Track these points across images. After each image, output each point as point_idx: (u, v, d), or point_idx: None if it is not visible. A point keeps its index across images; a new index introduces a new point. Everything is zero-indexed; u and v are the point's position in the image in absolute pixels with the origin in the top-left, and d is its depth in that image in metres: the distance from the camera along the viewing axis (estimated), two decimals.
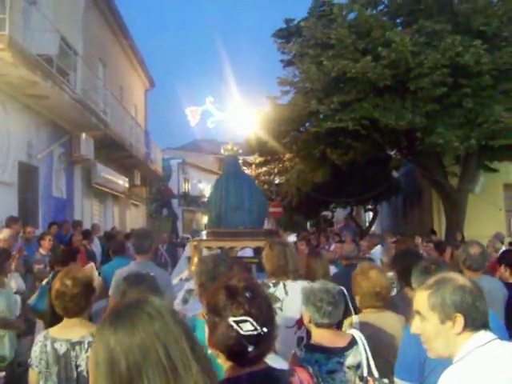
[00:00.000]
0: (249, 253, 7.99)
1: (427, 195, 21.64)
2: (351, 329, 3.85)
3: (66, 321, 3.70)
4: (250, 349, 2.07)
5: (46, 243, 9.75)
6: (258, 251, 8.29)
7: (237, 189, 7.71)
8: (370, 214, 32.94)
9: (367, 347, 3.53)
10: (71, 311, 3.64)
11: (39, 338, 3.68)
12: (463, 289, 2.34)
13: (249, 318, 2.08)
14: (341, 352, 3.50)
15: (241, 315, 2.08)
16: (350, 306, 4.90)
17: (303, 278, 5.15)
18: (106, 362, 1.46)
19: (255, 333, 2.08)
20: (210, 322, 2.19)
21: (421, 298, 2.42)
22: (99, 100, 17.01)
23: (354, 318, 4.07)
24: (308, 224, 37.39)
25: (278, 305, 4.20)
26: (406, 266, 4.35)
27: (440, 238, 16.50)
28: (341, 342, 3.55)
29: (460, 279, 2.42)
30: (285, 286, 4.43)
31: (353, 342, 3.55)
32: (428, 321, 2.37)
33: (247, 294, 2.14)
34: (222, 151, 8.31)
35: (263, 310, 2.14)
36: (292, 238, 12.15)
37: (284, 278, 4.52)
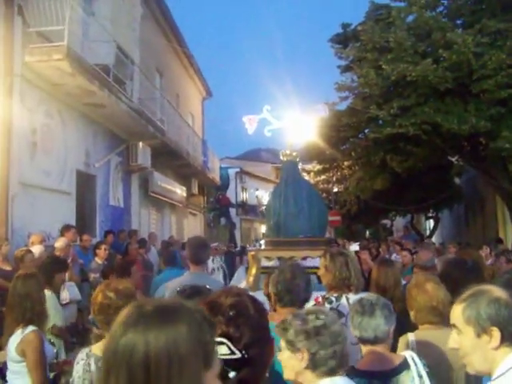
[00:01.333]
0: (312, 262, 7.72)
1: (491, 202, 20.95)
2: (407, 349, 3.52)
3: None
4: (231, 374, 1.79)
5: (102, 252, 9.75)
6: None
7: (296, 195, 7.45)
8: (431, 221, 32.20)
9: (423, 371, 3.10)
10: None
11: (81, 356, 3.49)
12: (498, 301, 2.26)
13: (225, 340, 1.81)
14: (386, 376, 3.09)
15: (218, 336, 1.77)
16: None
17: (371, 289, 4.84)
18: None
19: (233, 357, 1.81)
20: None
21: (456, 311, 2.36)
22: (156, 108, 17.05)
23: (410, 336, 3.70)
24: (367, 233, 36.81)
25: (342, 320, 3.86)
26: (454, 279, 4.00)
27: (507, 247, 15.84)
28: (387, 365, 3.15)
29: (496, 291, 2.33)
30: (348, 299, 4.14)
31: (403, 366, 3.13)
32: (464, 335, 2.31)
33: (231, 313, 1.88)
34: (281, 157, 8.07)
35: (246, 331, 1.85)
36: (355, 247, 11.85)
37: (346, 290, 4.23)
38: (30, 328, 4.35)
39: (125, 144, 15.31)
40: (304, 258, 7.24)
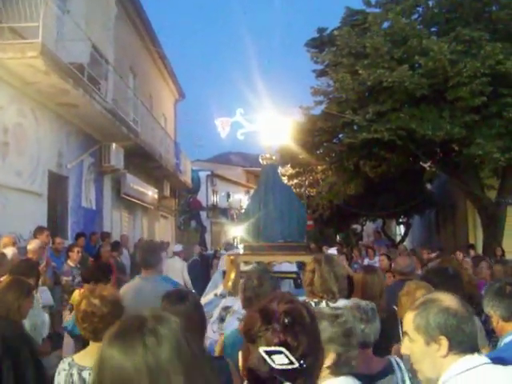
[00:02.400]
0: (286, 267, 7.63)
1: (462, 209, 21.12)
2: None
3: (92, 345, 3.35)
4: None
5: (75, 255, 9.55)
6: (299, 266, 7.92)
7: (276, 200, 7.34)
8: (401, 227, 32.39)
9: (407, 377, 3.04)
10: (101, 333, 3.29)
11: (63, 366, 3.31)
12: (447, 311, 2.30)
13: (283, 350, 1.71)
14: (370, 380, 2.98)
15: (275, 345, 1.72)
16: (400, 327, 4.50)
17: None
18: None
19: (290, 367, 1.70)
20: (243, 349, 1.85)
21: (407, 319, 2.42)
22: (129, 109, 16.81)
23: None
24: (338, 237, 36.88)
25: None
26: (434, 286, 3.93)
27: (478, 252, 15.96)
28: (371, 369, 3.07)
29: (447, 300, 2.36)
30: (328, 305, 4.04)
31: (388, 370, 3.08)
32: (414, 342, 2.36)
33: (286, 320, 1.76)
34: (260, 160, 7.96)
35: (303, 339, 1.75)
36: (332, 251, 11.77)
37: (327, 297, 4.14)
38: None
39: (98, 145, 15.07)
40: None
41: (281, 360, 1.69)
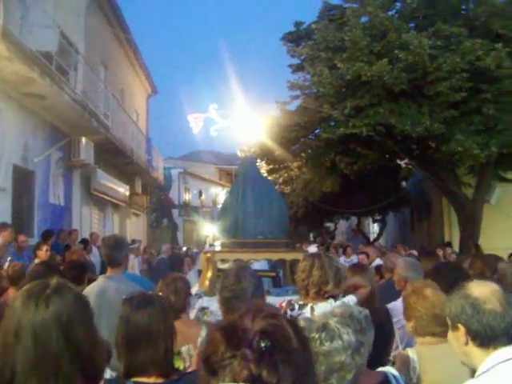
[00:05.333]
0: (260, 266, 7.29)
1: (437, 206, 21.04)
2: (407, 367, 3.06)
3: None
4: None
5: (43, 253, 9.01)
6: (275, 264, 7.59)
7: (255, 194, 6.93)
8: (375, 225, 32.31)
9: None
10: None
11: None
12: (466, 299, 2.32)
13: None
14: None
15: (244, 380, 1.17)
16: (394, 331, 4.15)
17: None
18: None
19: None
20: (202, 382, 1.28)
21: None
22: (100, 103, 16.25)
23: (410, 352, 3.23)
24: (311, 235, 36.65)
25: None
26: (448, 280, 3.57)
27: (454, 250, 15.81)
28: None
29: (472, 289, 2.36)
30: (312, 309, 3.69)
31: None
32: (448, 327, 2.48)
33: (262, 344, 1.20)
34: (238, 153, 7.56)
35: (287, 373, 1.18)
36: (312, 248, 11.44)
37: (316, 298, 3.77)
38: None
39: (67, 139, 14.53)
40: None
41: None
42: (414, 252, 10.80)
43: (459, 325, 2.31)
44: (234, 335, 1.23)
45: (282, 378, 1.17)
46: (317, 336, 2.28)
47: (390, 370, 2.81)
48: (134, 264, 12.86)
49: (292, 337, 1.25)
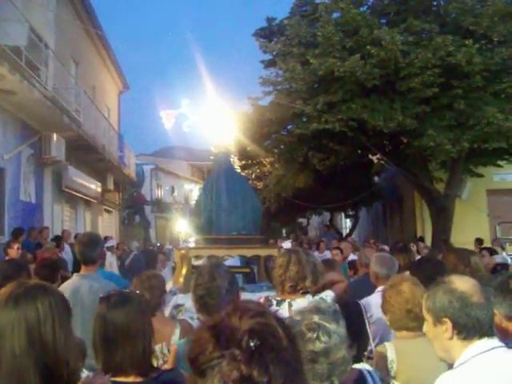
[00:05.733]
0: (233, 262, 7.26)
1: (409, 201, 21.22)
2: (385, 361, 3.07)
3: None
4: None
5: (14, 252, 8.88)
6: (247, 260, 7.57)
7: (229, 190, 6.89)
8: (348, 220, 32.46)
9: None
10: None
11: None
12: (452, 293, 2.31)
13: None
14: None
15: (234, 381, 1.14)
16: (367, 326, 4.16)
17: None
18: None
19: None
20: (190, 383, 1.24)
21: (423, 300, 2.48)
22: (71, 99, 16.05)
23: (388, 347, 3.26)
24: (284, 231, 36.72)
25: None
26: (428, 274, 3.60)
27: (426, 245, 15.95)
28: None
29: (456, 283, 2.35)
30: (290, 305, 3.66)
31: (359, 382, 2.60)
32: (427, 322, 2.42)
33: (252, 344, 1.18)
34: (212, 149, 7.53)
35: (277, 372, 1.16)
36: (287, 244, 11.44)
37: (293, 294, 3.75)
38: None
39: (37, 135, 14.33)
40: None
41: None
42: (386, 247, 10.81)
43: (445, 319, 2.28)
44: (222, 334, 1.21)
45: (273, 378, 1.15)
46: (314, 336, 2.19)
47: (364, 366, 2.79)
48: (113, 262, 12.72)
49: (282, 335, 1.23)
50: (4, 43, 10.41)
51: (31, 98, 12.09)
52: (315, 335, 2.19)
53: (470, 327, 2.24)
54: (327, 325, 2.25)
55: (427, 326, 2.42)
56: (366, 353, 3.79)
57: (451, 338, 2.28)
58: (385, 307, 3.46)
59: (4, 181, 12.69)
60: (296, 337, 1.32)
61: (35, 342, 1.80)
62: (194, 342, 1.26)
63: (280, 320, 1.28)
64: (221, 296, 3.34)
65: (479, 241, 14.58)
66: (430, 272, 3.75)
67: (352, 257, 9.99)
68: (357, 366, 2.77)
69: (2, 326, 1.80)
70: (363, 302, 4.43)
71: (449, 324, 2.27)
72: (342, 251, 10.19)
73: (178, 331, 3.69)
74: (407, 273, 4.18)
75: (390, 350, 3.19)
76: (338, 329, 2.28)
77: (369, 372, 2.69)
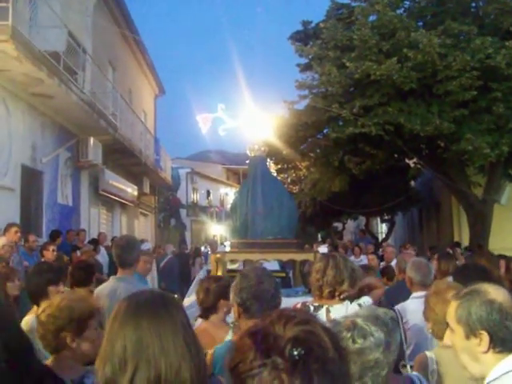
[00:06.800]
0: (271, 266, 7.19)
1: (446, 206, 20.91)
2: (425, 370, 2.99)
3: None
4: None
5: (49, 254, 8.95)
6: (282, 265, 7.53)
7: (265, 194, 6.85)
8: (383, 225, 32.10)
9: None
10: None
11: None
12: (491, 304, 2.16)
13: None
14: None
15: None
16: (403, 333, 4.05)
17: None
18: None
19: None
20: None
21: (451, 309, 2.30)
22: (108, 103, 16.23)
23: (429, 355, 3.16)
24: (319, 235, 36.52)
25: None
26: (474, 282, 3.49)
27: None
28: None
29: (494, 293, 2.21)
30: (328, 311, 3.58)
31: None
32: (455, 333, 2.25)
33: (295, 352, 1.11)
34: (248, 152, 7.48)
35: (322, 383, 1.10)
36: (323, 249, 11.36)
37: (332, 300, 3.68)
38: None
39: (75, 139, 14.51)
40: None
41: None
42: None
43: (482, 331, 2.12)
44: (264, 342, 1.15)
45: None
46: (348, 335, 2.20)
47: (416, 374, 2.77)
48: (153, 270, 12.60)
49: (328, 345, 1.16)
50: (43, 48, 10.54)
51: (69, 101, 12.24)
52: (349, 334, 2.20)
53: (508, 340, 2.12)
54: (364, 326, 2.22)
55: (456, 338, 2.24)
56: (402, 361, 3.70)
57: (486, 352, 2.13)
58: (428, 314, 3.37)
59: (42, 184, 12.87)
60: (345, 349, 1.26)
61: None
62: (234, 350, 1.21)
63: (327, 329, 1.22)
64: (266, 301, 3.21)
65: None
66: (475, 279, 3.64)
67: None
68: (408, 373, 2.75)
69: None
70: (398, 307, 4.34)
71: (486, 337, 2.12)
72: (378, 256, 10.07)
73: (229, 336, 3.61)
74: (450, 278, 4.08)
75: (430, 359, 3.10)
76: (376, 333, 2.24)
77: (420, 380, 2.65)
